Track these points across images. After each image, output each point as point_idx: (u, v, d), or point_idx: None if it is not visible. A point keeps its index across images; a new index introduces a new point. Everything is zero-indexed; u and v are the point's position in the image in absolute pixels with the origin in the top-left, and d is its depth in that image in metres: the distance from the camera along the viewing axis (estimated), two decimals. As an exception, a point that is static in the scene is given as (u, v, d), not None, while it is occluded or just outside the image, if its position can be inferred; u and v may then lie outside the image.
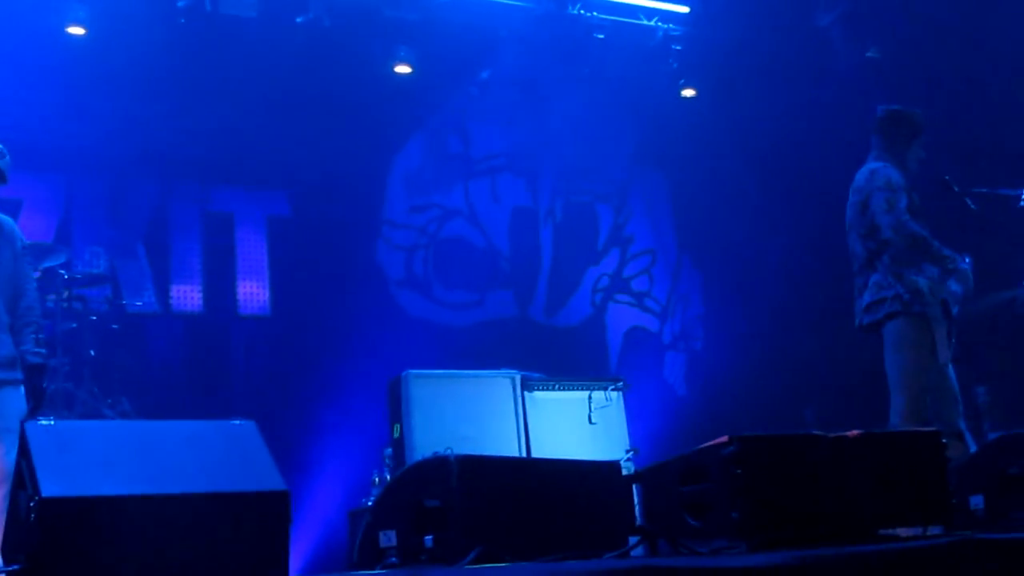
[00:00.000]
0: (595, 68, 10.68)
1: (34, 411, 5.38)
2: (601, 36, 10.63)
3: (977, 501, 4.99)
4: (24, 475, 3.50)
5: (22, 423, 3.68)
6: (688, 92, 11.09)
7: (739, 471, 3.75)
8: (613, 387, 7.77)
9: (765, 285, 11.41)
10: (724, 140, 11.21)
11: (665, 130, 11.20)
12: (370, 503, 6.87)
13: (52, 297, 8.05)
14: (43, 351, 5.56)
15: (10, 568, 3.48)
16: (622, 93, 10.99)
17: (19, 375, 5.35)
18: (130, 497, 3.38)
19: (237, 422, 3.88)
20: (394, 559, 3.77)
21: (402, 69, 10.24)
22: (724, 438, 3.86)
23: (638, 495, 4.43)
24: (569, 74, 10.71)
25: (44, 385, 5.52)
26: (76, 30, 9.09)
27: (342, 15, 9.74)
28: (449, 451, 4.30)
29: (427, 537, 3.83)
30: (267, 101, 9.57)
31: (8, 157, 5.48)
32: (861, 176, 6.32)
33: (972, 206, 6.55)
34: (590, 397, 7.62)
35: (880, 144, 6.39)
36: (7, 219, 5.64)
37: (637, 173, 11.87)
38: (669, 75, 10.95)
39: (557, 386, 7.54)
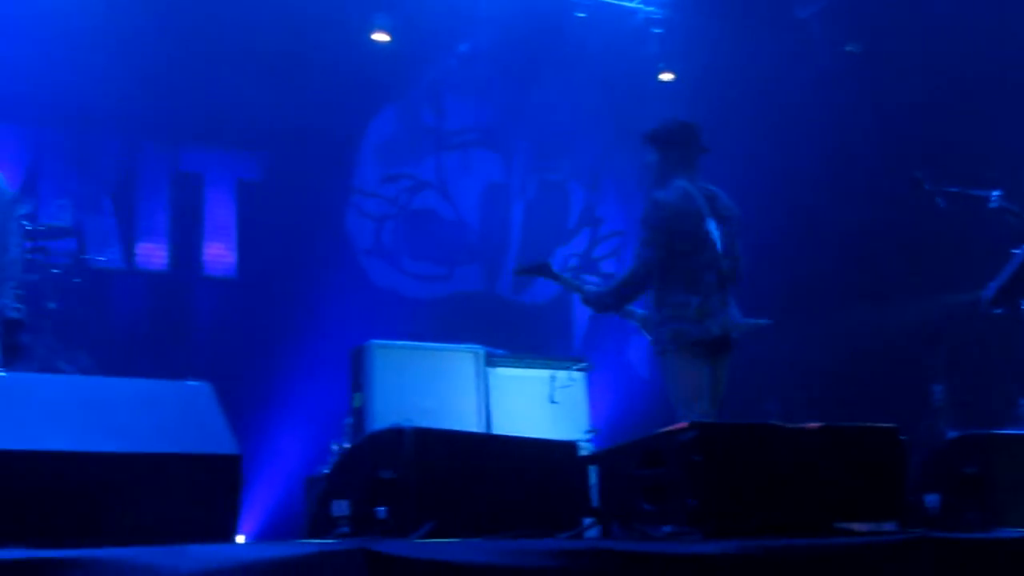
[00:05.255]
0: (574, 47, 10.60)
1: (9, 366, 5.26)
2: (582, 15, 10.58)
3: (933, 500, 5.00)
4: (-29, 426, 3.43)
5: None
6: (666, 76, 11.03)
7: (697, 458, 3.72)
8: (576, 367, 7.75)
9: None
10: (702, 127, 11.15)
11: (641, 113, 11.12)
12: (326, 471, 6.83)
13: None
14: (22, 307, 5.43)
15: None
16: (600, 73, 10.91)
17: None
18: (74, 454, 3.32)
19: (192, 383, 3.82)
20: (346, 529, 3.73)
21: (380, 37, 10.15)
22: (684, 424, 3.83)
23: (595, 477, 4.40)
24: (547, 52, 10.64)
25: (23, 341, 5.40)
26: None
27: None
28: (407, 423, 4.26)
29: (380, 508, 3.79)
30: (242, 62, 9.44)
31: None
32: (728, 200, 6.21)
33: (942, 205, 6.51)
34: (553, 376, 7.59)
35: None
36: None
37: (611, 154, 11.79)
38: (648, 58, 10.89)
39: (520, 363, 7.50)
